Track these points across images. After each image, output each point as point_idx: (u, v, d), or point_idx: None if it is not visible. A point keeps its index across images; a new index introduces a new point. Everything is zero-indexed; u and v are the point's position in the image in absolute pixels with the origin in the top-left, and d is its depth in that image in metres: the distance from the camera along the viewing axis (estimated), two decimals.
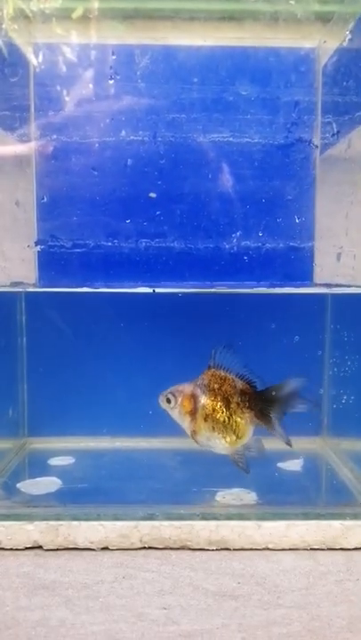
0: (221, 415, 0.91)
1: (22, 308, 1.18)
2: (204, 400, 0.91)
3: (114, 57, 1.06)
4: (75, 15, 1.00)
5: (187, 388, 0.93)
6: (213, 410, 0.91)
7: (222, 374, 0.91)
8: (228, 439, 0.91)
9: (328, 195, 1.12)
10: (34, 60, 1.07)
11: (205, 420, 0.91)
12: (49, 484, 0.98)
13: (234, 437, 0.90)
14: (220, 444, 0.91)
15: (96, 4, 1.00)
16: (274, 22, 1.03)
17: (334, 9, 1.03)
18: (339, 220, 1.09)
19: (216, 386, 0.92)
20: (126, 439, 1.19)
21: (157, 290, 0.96)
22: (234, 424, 0.90)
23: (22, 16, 1.01)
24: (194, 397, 0.92)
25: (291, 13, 1.03)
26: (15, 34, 1.03)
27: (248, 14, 1.04)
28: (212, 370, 0.92)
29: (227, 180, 1.07)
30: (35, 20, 1.01)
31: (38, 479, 1.00)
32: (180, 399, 0.93)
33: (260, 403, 0.90)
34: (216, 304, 1.12)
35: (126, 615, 0.70)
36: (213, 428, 0.91)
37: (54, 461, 1.10)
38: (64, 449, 1.16)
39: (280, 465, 1.07)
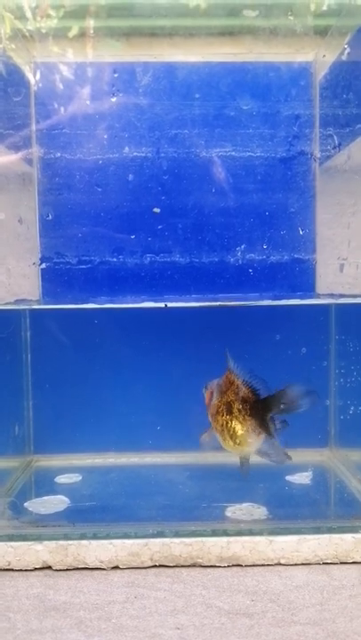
0: (222, 418, 0.89)
1: (27, 324, 1.18)
2: (214, 399, 0.91)
3: (116, 75, 1.07)
4: (71, 34, 1.01)
5: (214, 383, 0.92)
6: (217, 411, 0.90)
7: (232, 378, 0.90)
8: (226, 443, 0.89)
9: (329, 205, 1.13)
10: (32, 79, 1.09)
11: (212, 419, 0.91)
12: (57, 502, 0.97)
13: (231, 443, 0.89)
14: (224, 446, 0.90)
15: (92, 23, 1.01)
16: (272, 37, 1.04)
17: (331, 22, 1.04)
18: (340, 231, 1.09)
19: (224, 388, 0.90)
20: (132, 455, 1.19)
21: (169, 304, 0.96)
22: (232, 430, 0.89)
23: (20, 35, 1.02)
24: (211, 394, 0.92)
25: (288, 28, 1.04)
26: (14, 53, 1.04)
27: (245, 29, 1.05)
28: (228, 372, 0.90)
29: (219, 173, 1.08)
30: (32, 40, 1.03)
31: (46, 498, 0.99)
32: (207, 392, 0.93)
33: (261, 412, 0.87)
34: (222, 317, 1.12)
35: (139, 636, 0.69)
36: (216, 429, 0.90)
37: (61, 479, 1.09)
38: (70, 466, 1.15)
39: (289, 478, 1.06)
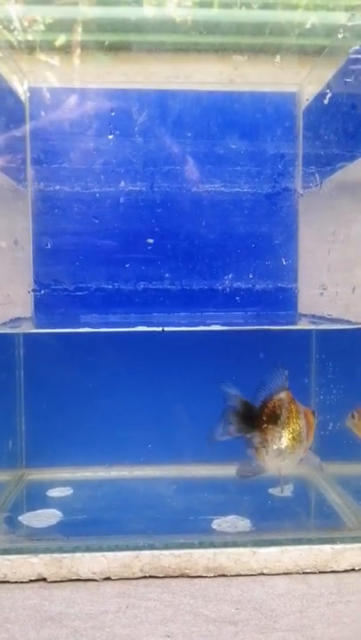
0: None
1: (20, 341, 1.21)
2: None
3: (113, 114, 1.13)
4: (58, 43, 1.02)
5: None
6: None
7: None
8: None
9: (311, 233, 1.19)
10: (23, 95, 1.11)
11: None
12: (50, 516, 1.00)
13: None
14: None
15: (80, 32, 1.02)
16: (258, 56, 1.08)
17: (325, 43, 1.06)
18: (321, 256, 1.16)
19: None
20: (122, 469, 1.22)
21: (166, 329, 1.02)
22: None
23: (8, 46, 1.03)
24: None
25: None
26: (4, 66, 1.07)
27: (232, 47, 1.08)
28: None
29: (192, 172, 1.13)
30: (21, 51, 1.04)
31: (39, 511, 1.02)
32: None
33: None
34: (209, 339, 1.17)
35: None
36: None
37: (53, 493, 1.12)
38: (61, 480, 1.18)
39: (271, 491, 1.10)
